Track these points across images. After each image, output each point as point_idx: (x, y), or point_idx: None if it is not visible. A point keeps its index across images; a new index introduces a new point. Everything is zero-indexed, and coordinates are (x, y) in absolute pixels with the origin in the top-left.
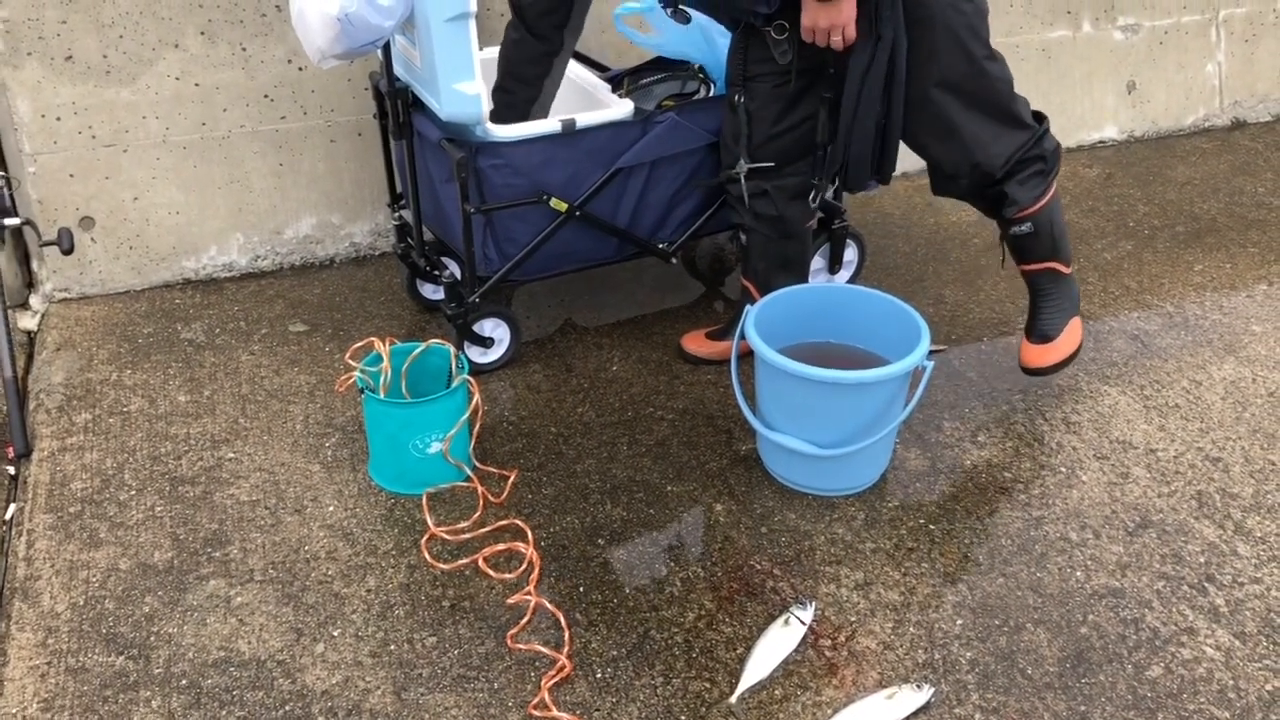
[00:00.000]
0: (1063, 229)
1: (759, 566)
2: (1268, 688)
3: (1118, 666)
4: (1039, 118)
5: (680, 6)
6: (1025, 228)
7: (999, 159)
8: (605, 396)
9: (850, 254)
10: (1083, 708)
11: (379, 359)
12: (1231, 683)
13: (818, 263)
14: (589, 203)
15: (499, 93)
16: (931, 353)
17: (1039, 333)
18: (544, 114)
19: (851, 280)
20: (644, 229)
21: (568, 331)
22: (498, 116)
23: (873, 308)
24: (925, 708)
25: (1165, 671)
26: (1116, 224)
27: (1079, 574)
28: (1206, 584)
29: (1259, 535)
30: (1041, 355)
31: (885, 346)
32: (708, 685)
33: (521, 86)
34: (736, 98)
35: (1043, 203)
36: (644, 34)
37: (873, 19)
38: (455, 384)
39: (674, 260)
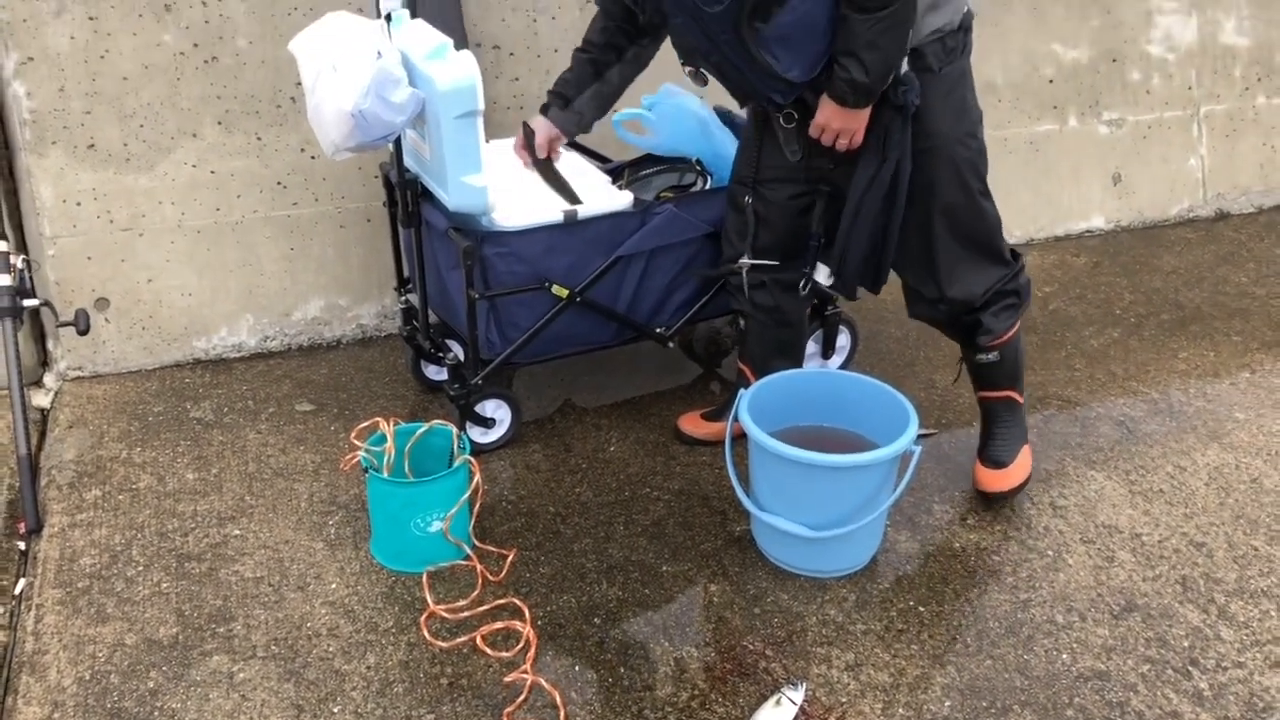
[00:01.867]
0: (1023, 360)
1: (752, 647)
2: None
3: None
4: (1015, 255)
5: (700, 70)
6: (992, 356)
7: (979, 290)
8: (603, 476)
9: (843, 340)
10: None
11: (383, 439)
12: None
13: (811, 348)
14: (589, 289)
15: (555, 86)
16: (921, 437)
17: (993, 459)
18: (586, 111)
19: (844, 366)
20: (642, 314)
21: (567, 412)
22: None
23: (863, 393)
24: None
25: None
26: (1103, 311)
27: (1065, 656)
28: (1191, 668)
29: (1242, 620)
30: (999, 480)
31: (875, 431)
32: None
33: (568, 81)
34: (745, 198)
35: (1011, 334)
36: (642, 136)
37: (882, 139)
38: (457, 464)
39: (671, 344)
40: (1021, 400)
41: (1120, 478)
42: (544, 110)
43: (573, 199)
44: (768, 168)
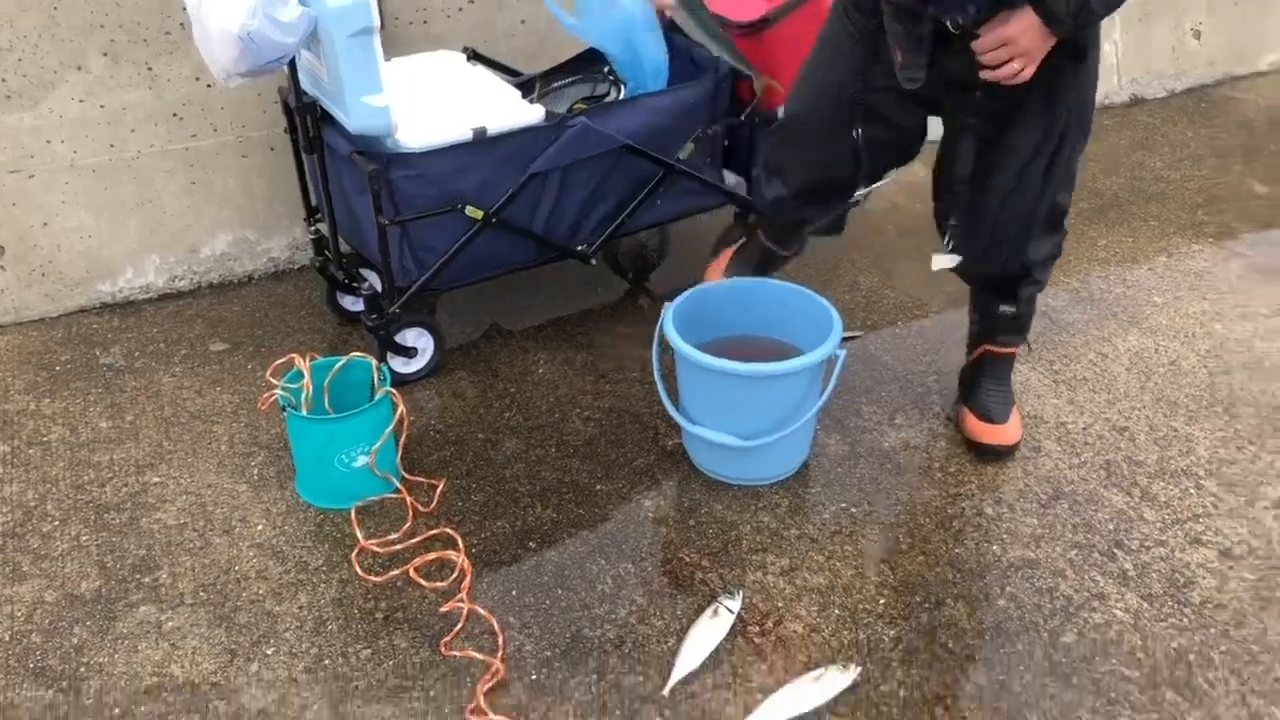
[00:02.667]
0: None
1: (688, 559)
2: (1173, 645)
3: (1034, 635)
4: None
5: None
6: (1018, 308)
7: (1046, 252)
8: (531, 400)
9: None
10: (1002, 677)
11: (300, 375)
12: (1140, 643)
13: None
14: (504, 209)
15: None
16: (847, 339)
17: (985, 412)
18: None
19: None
20: (562, 232)
21: (492, 337)
22: None
23: (787, 299)
24: (852, 687)
25: (1079, 636)
26: None
27: (995, 548)
28: (1115, 550)
29: (1163, 500)
30: (995, 434)
31: (801, 337)
32: (641, 679)
33: None
34: (855, 132)
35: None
36: (568, 13)
37: (1052, 91)
38: (378, 396)
39: (594, 261)
40: (1014, 359)
41: (1044, 368)
42: None
43: (747, 67)
44: (878, 90)
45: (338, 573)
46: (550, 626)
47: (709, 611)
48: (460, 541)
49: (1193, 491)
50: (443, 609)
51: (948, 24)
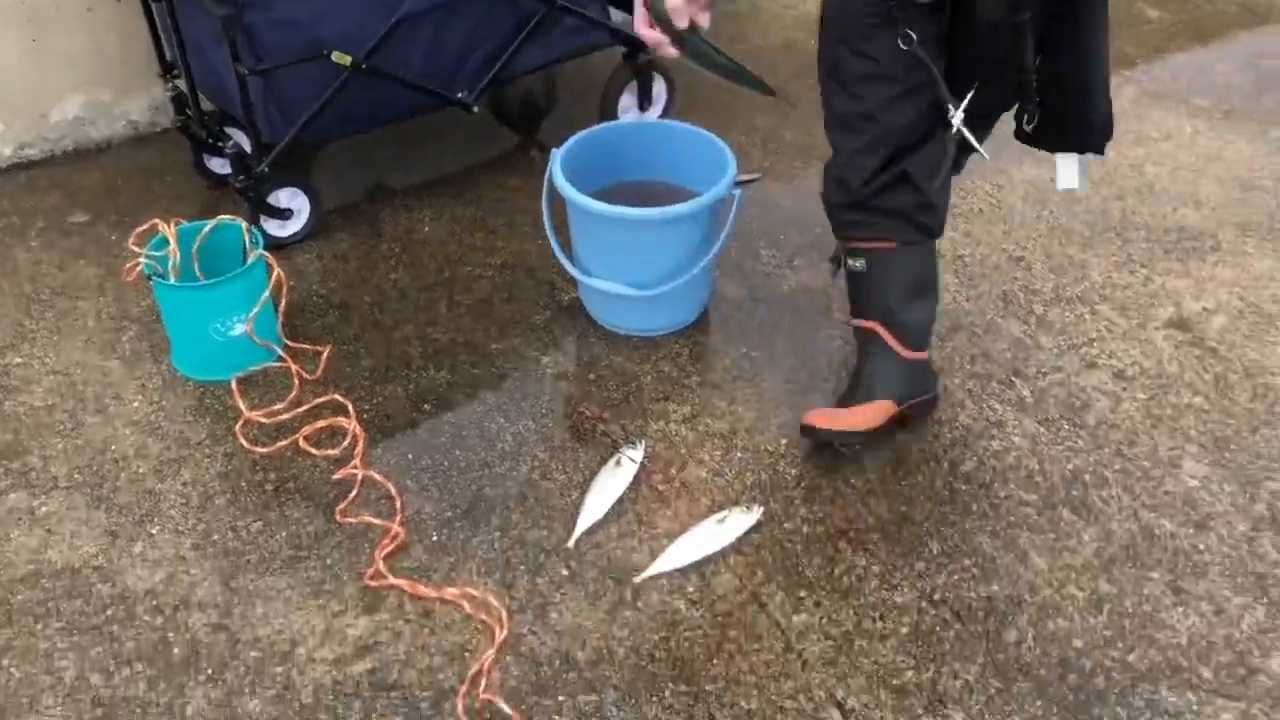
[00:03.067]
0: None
1: (588, 412)
2: (1069, 467)
3: (934, 466)
4: None
5: None
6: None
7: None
8: (419, 259)
9: (659, 89)
10: (903, 508)
11: (165, 242)
12: (1037, 467)
13: (626, 100)
14: (375, 55)
15: None
16: (744, 182)
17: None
18: None
19: (662, 117)
20: (439, 79)
21: (375, 196)
22: None
23: (681, 141)
24: (756, 527)
25: (978, 465)
26: None
27: None
28: (1013, 378)
29: (1059, 327)
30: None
31: (696, 179)
32: (545, 533)
33: None
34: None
35: None
36: None
37: None
38: (250, 260)
39: (475, 110)
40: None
41: None
42: None
43: (765, 90)
44: None
45: (222, 446)
46: (450, 488)
47: (611, 462)
48: (351, 408)
49: (1087, 317)
50: (336, 477)
51: None
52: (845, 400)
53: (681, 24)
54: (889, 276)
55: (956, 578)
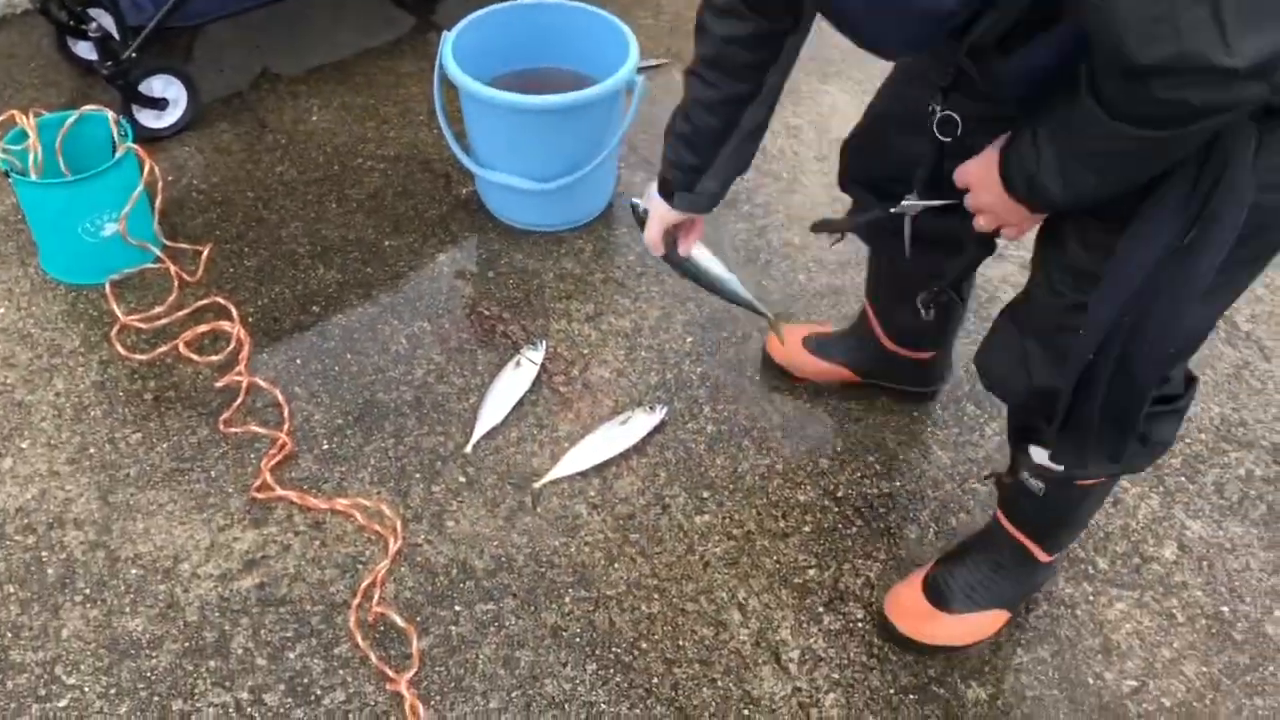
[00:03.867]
0: None
1: (488, 313)
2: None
3: None
4: None
5: None
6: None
7: None
8: (307, 151)
9: None
10: (807, 405)
11: (24, 135)
12: None
13: None
14: None
15: (669, 156)
16: (650, 68)
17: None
18: (720, 188)
19: None
20: None
21: (260, 84)
22: (664, 188)
23: (581, 25)
24: (659, 427)
25: None
26: None
27: (802, 277)
28: None
29: None
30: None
31: (598, 66)
32: (441, 439)
33: (693, 144)
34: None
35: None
36: None
37: (1194, 176)
38: (119, 154)
39: None
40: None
41: (853, 88)
42: (661, 188)
43: (760, 314)
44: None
45: (97, 354)
46: (340, 394)
47: (511, 364)
48: (234, 311)
49: None
50: (219, 384)
51: (935, 129)
52: (942, 595)
53: (658, 253)
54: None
55: (859, 475)
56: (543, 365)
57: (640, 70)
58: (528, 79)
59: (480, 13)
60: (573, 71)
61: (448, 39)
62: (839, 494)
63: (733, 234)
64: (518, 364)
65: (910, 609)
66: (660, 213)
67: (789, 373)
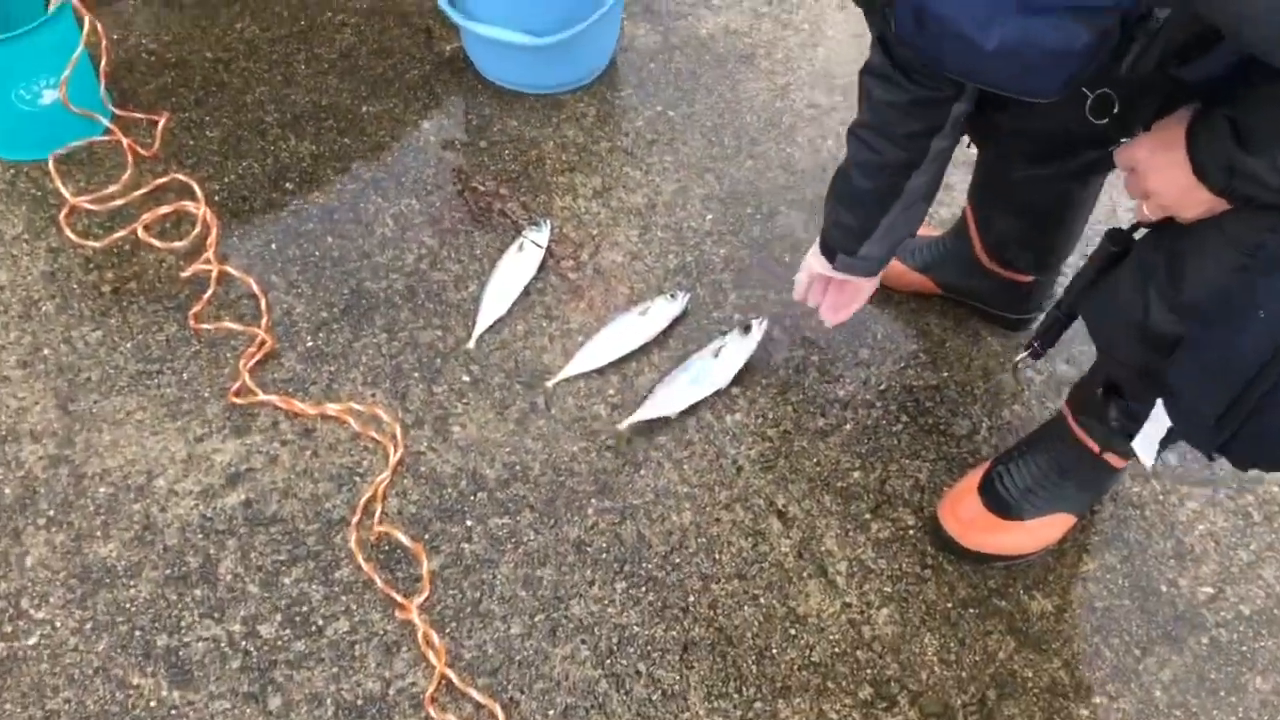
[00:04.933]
0: None
1: (483, 188)
2: None
3: None
4: None
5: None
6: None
7: None
8: (270, 4)
9: None
10: None
11: None
12: None
13: None
14: None
15: (830, 214)
16: None
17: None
18: (885, 254)
19: None
20: None
21: None
22: (825, 245)
23: None
24: (682, 317)
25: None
26: None
27: (830, 143)
28: None
29: None
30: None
31: None
32: (440, 333)
33: (853, 206)
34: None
35: None
36: None
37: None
38: (53, 8)
39: None
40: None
41: None
42: (824, 247)
43: None
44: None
45: (44, 240)
46: (323, 283)
47: (513, 248)
48: (198, 189)
49: None
50: (186, 273)
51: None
52: (1002, 500)
53: (800, 299)
54: None
55: (902, 365)
56: (548, 248)
57: None
58: None
59: None
60: None
61: None
62: (881, 387)
63: (751, 95)
64: (520, 247)
65: (967, 516)
66: (817, 269)
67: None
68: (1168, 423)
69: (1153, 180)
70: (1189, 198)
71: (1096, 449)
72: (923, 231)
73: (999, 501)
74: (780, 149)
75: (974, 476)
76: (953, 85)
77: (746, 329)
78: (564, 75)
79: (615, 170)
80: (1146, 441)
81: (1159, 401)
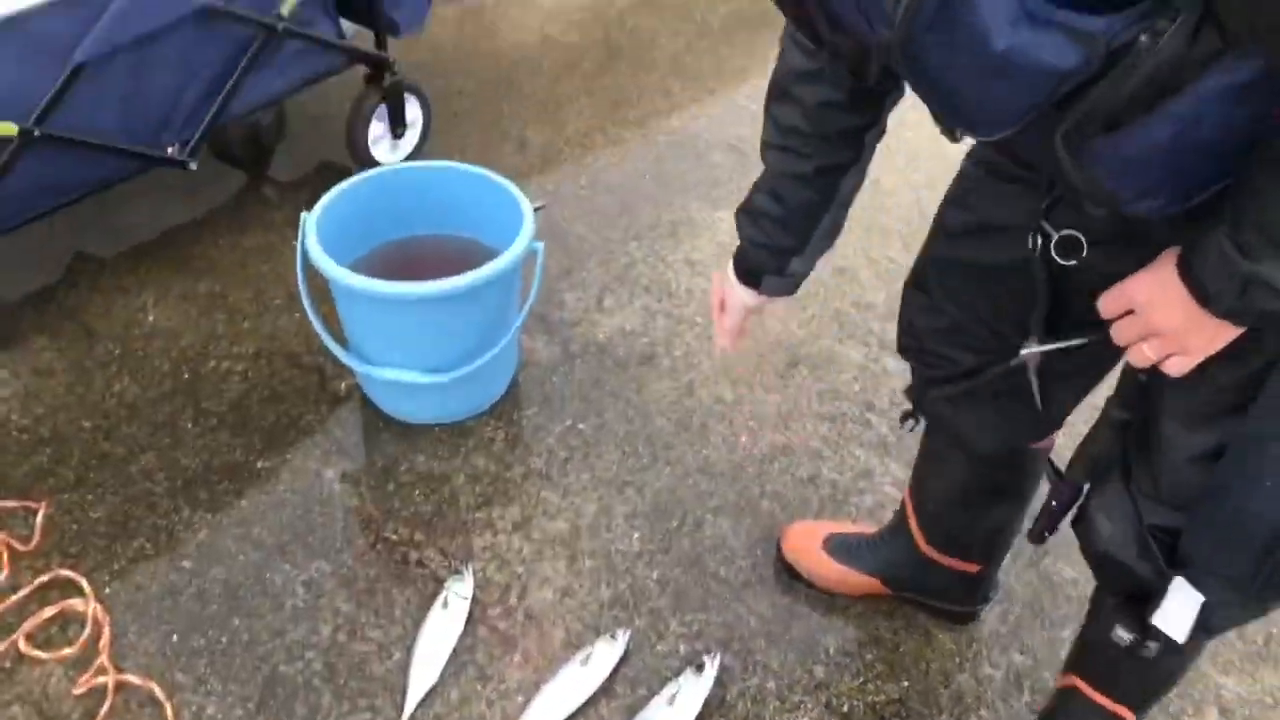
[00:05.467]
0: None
1: (395, 537)
2: None
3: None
4: None
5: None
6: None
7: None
8: (148, 360)
9: (413, 111)
10: (786, 598)
11: None
12: None
13: (377, 128)
14: (50, 117)
15: (755, 240)
16: (538, 210)
17: None
18: (808, 268)
19: (420, 142)
20: (143, 134)
21: (76, 275)
22: (748, 273)
23: (453, 184)
24: (625, 657)
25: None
26: (683, 18)
27: (744, 439)
28: (868, 414)
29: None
30: None
31: (483, 227)
32: (369, 715)
33: (786, 223)
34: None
35: None
36: None
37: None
38: None
39: (192, 166)
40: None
41: None
42: (744, 274)
43: None
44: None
45: None
46: (235, 674)
47: (437, 604)
48: (85, 584)
49: None
50: (79, 688)
51: (1053, 251)
52: None
53: (730, 345)
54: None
55: (861, 680)
56: (473, 598)
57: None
58: (407, 251)
59: (341, 187)
60: (457, 237)
61: (308, 220)
62: (844, 709)
63: (658, 397)
64: (444, 603)
65: None
66: (743, 301)
67: (802, 577)
68: (1197, 596)
69: (1157, 317)
70: (1192, 329)
71: (1124, 711)
72: (846, 528)
73: None
74: (695, 452)
75: None
76: (893, 78)
77: (699, 668)
78: (467, 404)
79: (532, 497)
80: (1171, 619)
81: (1176, 579)
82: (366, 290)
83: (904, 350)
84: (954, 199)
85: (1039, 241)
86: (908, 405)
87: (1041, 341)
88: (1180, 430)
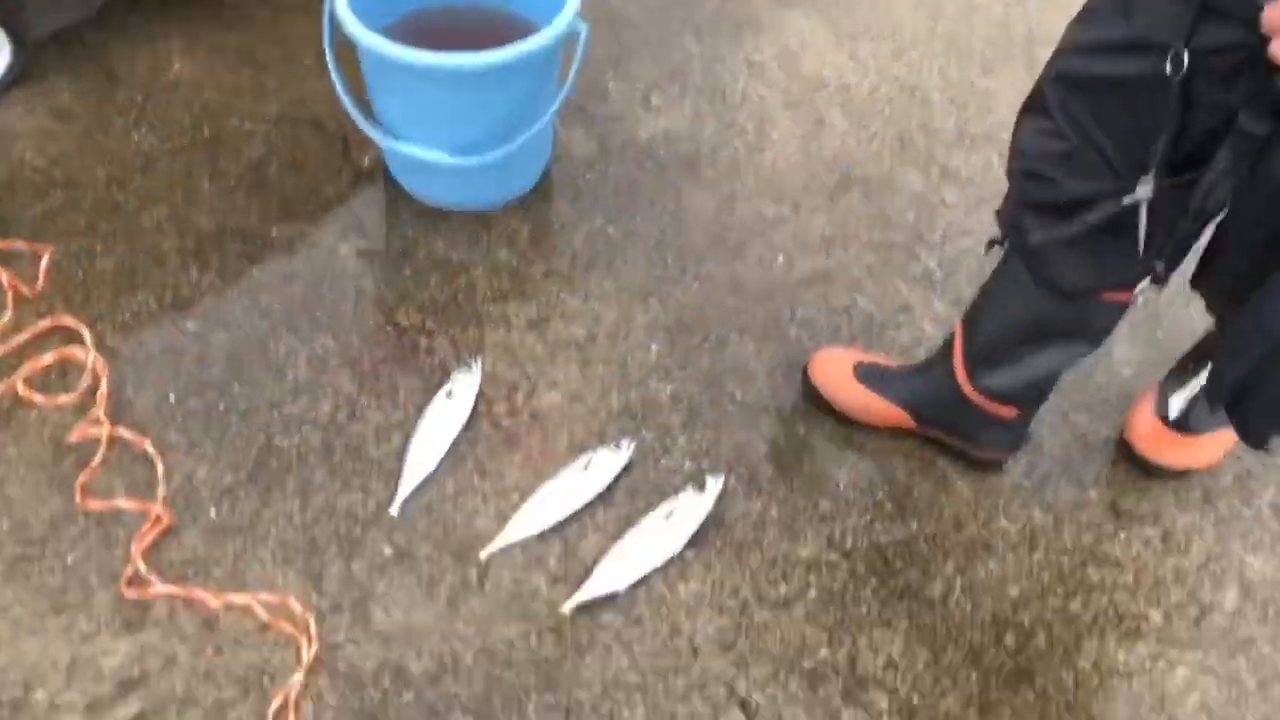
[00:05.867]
0: None
1: (407, 322)
2: None
3: None
4: None
5: None
6: None
7: None
8: (169, 111)
9: None
10: (802, 429)
11: None
12: None
13: None
14: None
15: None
16: None
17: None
18: None
19: None
20: None
21: (104, 21)
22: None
23: None
24: (628, 467)
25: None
26: None
27: (781, 260)
28: (917, 246)
29: (965, 176)
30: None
31: (526, 1)
32: (360, 496)
33: None
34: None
35: None
36: None
37: None
38: None
39: None
40: None
41: (820, 15)
42: None
43: None
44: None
45: None
46: (229, 441)
47: (441, 393)
48: (87, 334)
49: (995, 162)
50: (73, 437)
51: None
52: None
53: None
54: None
55: (868, 518)
56: (480, 391)
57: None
58: (439, 19)
59: None
60: (495, 9)
61: None
62: (847, 545)
63: (695, 207)
64: (449, 393)
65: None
66: None
67: (829, 404)
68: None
69: None
70: None
71: None
72: (877, 358)
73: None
74: (728, 269)
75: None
76: None
77: (701, 486)
78: (494, 193)
79: (551, 297)
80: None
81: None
82: (392, 58)
83: (1010, 172)
84: (1091, 13)
85: (1184, 59)
86: (995, 231)
87: (1159, 174)
88: None
